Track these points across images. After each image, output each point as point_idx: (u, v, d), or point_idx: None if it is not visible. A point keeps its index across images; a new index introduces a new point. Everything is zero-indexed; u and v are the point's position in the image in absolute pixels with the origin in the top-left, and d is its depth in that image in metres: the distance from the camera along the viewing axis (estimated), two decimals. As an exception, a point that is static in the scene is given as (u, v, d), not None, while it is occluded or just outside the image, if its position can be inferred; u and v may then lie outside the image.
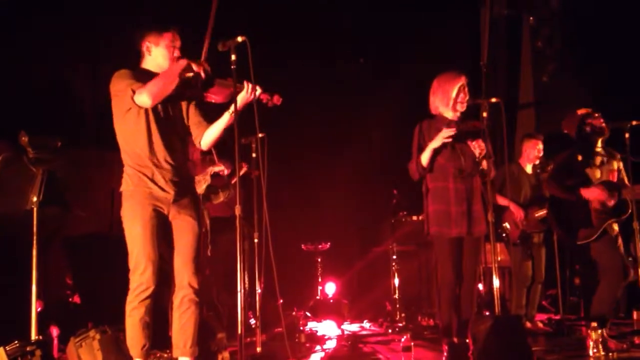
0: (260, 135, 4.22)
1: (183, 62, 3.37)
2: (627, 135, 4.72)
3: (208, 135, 3.61)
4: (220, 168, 5.07)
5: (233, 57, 3.21)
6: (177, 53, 3.52)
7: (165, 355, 4.07)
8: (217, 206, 5.49)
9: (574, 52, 7.74)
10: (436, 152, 4.18)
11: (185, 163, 3.65)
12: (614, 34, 7.32)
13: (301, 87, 6.71)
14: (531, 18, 7.87)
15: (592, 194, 4.71)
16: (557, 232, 5.28)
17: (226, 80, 3.46)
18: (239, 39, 3.19)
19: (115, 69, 3.48)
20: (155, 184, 3.43)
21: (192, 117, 3.63)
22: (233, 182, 5.43)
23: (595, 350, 4.18)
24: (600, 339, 4.18)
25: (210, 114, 3.64)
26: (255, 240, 4.60)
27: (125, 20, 5.51)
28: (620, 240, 4.79)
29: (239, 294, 3.15)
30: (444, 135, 4.10)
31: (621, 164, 4.88)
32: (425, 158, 4.17)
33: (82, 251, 5.42)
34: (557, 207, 4.94)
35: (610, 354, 4.24)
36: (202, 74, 3.39)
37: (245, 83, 3.45)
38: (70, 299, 5.50)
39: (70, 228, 5.40)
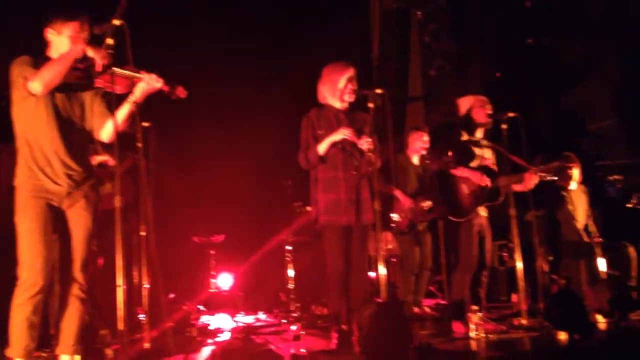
0: (145, 124, 4.11)
1: (78, 49, 3.24)
2: (503, 126, 4.96)
3: (109, 127, 3.47)
4: (105, 158, 4.86)
5: (110, 41, 3.09)
6: (82, 43, 3.34)
7: (44, 354, 3.89)
8: (103, 198, 5.27)
9: (460, 46, 8.07)
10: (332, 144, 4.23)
11: (82, 155, 3.51)
12: (498, 29, 7.71)
13: (192, 75, 6.56)
14: (419, 12, 8.11)
15: (472, 176, 4.86)
16: (440, 216, 5.41)
17: (127, 70, 3.34)
18: (116, 22, 3.07)
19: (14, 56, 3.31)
20: (48, 176, 3.32)
21: (95, 107, 3.50)
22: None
23: (475, 333, 4.39)
24: (480, 322, 4.40)
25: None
26: (142, 234, 4.47)
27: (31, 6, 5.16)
28: (487, 227, 4.97)
29: (119, 289, 3.04)
30: (346, 133, 4.15)
31: (493, 157, 5.09)
32: (322, 149, 4.20)
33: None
34: (440, 184, 5.07)
35: (490, 335, 4.47)
36: (100, 62, 3.25)
37: (146, 74, 3.37)
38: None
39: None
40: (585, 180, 6.02)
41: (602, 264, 5.53)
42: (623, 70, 7.10)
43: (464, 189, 4.87)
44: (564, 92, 7.55)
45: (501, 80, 6.98)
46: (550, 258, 6.00)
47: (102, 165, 5.00)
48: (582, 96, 7.40)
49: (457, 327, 4.67)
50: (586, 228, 5.87)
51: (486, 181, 4.79)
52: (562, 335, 4.20)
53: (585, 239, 5.76)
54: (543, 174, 4.81)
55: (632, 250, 5.70)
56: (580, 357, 3.64)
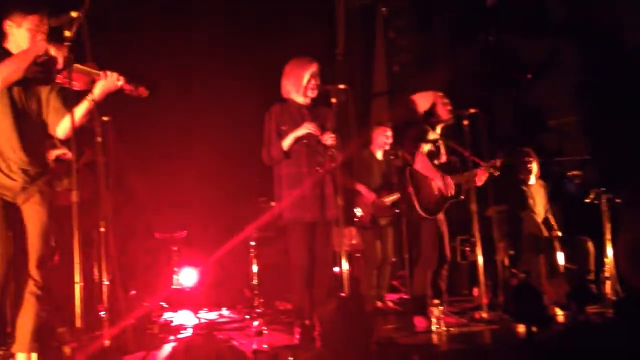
0: (104, 118, 4.05)
1: (40, 46, 3.19)
2: (465, 122, 5.02)
3: (65, 123, 3.41)
4: (63, 151, 4.75)
5: (67, 33, 3.03)
6: (41, 38, 3.27)
7: (1, 352, 3.80)
8: (61, 194, 5.17)
9: (424, 42, 8.13)
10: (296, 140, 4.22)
11: (38, 150, 3.46)
12: (462, 26, 7.78)
13: (154, 68, 6.47)
14: (384, 8, 8.14)
15: (442, 182, 4.89)
16: (404, 212, 5.45)
17: (87, 67, 3.30)
18: (74, 14, 3.02)
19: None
20: (2, 171, 3.27)
21: (52, 103, 3.44)
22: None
23: (437, 326, 4.43)
24: (442, 315, 4.45)
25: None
26: (102, 229, 4.39)
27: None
28: (445, 224, 5.01)
29: (77, 286, 2.99)
30: (311, 128, 4.14)
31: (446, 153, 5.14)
32: (287, 144, 4.18)
33: None
34: (409, 180, 5.09)
35: (451, 329, 4.52)
36: (60, 59, 3.19)
37: (107, 72, 3.34)
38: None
39: None
40: (545, 176, 6.13)
41: (561, 258, 5.64)
42: (584, 68, 7.23)
43: (434, 187, 4.91)
44: (525, 89, 7.66)
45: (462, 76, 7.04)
46: (511, 252, 6.09)
47: (60, 160, 4.91)
48: (544, 93, 7.53)
49: (419, 321, 4.70)
50: (546, 222, 5.97)
51: (451, 187, 4.85)
52: (521, 328, 4.27)
53: (545, 233, 5.86)
54: (491, 168, 4.89)
55: (590, 245, 5.82)
56: (538, 349, 3.70)
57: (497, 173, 4.97)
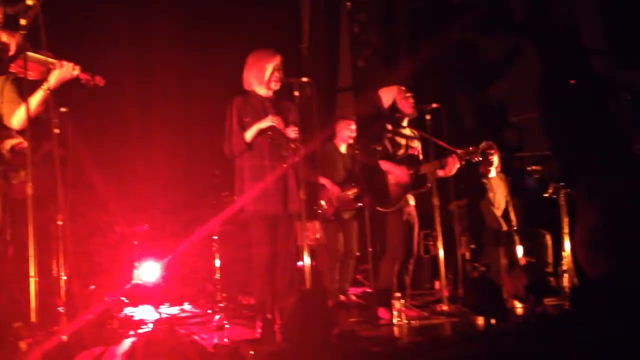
0: (62, 109, 3.98)
1: None
2: (428, 117, 5.06)
3: (20, 114, 3.32)
4: (19, 140, 4.63)
5: (22, 21, 2.96)
6: None
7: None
8: (17, 187, 5.04)
9: (388, 38, 8.17)
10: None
11: None
12: (425, 22, 7.84)
13: (114, 60, 6.38)
14: (348, 3, 8.15)
15: (395, 171, 4.94)
16: (367, 205, 5.49)
17: (42, 56, 3.22)
18: (29, 2, 2.95)
19: None
20: None
21: (6, 93, 3.38)
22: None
23: (398, 319, 4.47)
24: (403, 309, 4.48)
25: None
26: (59, 223, 4.30)
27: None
28: (415, 216, 5.05)
29: (32, 280, 2.93)
30: (274, 121, 4.12)
31: (419, 145, 5.18)
32: (249, 135, 4.15)
33: None
34: (367, 175, 5.13)
35: (412, 321, 4.56)
36: (13, 46, 3.11)
37: (62, 61, 3.27)
38: None
39: None
40: (505, 170, 6.22)
41: (519, 251, 5.73)
42: (544, 65, 7.35)
43: (391, 179, 4.93)
44: (486, 85, 7.77)
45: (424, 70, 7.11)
46: (472, 246, 6.18)
47: (15, 150, 4.78)
48: (505, 90, 7.64)
49: (383, 313, 4.74)
50: (505, 216, 6.07)
51: (406, 179, 4.87)
52: (480, 321, 4.33)
53: (505, 227, 5.95)
54: (467, 156, 4.90)
55: (548, 238, 5.93)
56: (496, 340, 3.76)
57: (477, 158, 4.94)
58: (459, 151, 4.88)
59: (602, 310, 2.27)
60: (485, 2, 7.65)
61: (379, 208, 4.86)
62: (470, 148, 4.89)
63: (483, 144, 4.99)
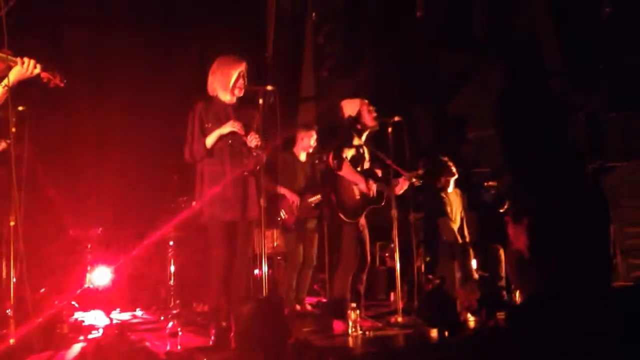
0: (20, 108, 3.90)
1: None
2: (390, 129, 5.11)
3: None
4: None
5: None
6: None
7: None
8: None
9: (351, 49, 8.24)
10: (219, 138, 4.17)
11: None
12: (389, 35, 7.94)
13: (74, 61, 6.27)
14: (314, 14, 8.19)
15: (366, 186, 4.97)
16: (332, 207, 5.49)
17: (3, 53, 3.15)
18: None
19: None
20: None
21: None
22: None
23: (353, 330, 4.49)
24: (358, 319, 4.50)
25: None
26: (12, 224, 4.20)
27: None
28: (366, 229, 5.08)
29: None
30: (236, 127, 4.10)
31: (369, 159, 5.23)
32: (210, 141, 4.12)
33: None
34: (330, 184, 5.14)
35: (367, 332, 4.58)
36: None
37: (23, 58, 3.21)
38: None
39: None
40: (462, 185, 6.31)
41: (474, 265, 5.82)
42: (503, 82, 7.50)
43: (356, 191, 4.96)
44: (445, 100, 7.90)
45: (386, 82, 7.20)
46: (428, 259, 6.25)
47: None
48: (463, 105, 7.78)
49: (337, 325, 4.75)
50: (460, 230, 6.16)
51: (373, 191, 4.94)
52: (433, 332, 4.38)
53: (460, 240, 6.04)
54: (414, 180, 5.04)
55: (502, 253, 6.04)
56: (449, 352, 3.81)
57: (418, 183, 5.10)
58: (405, 173, 5.00)
59: (534, 327, 2.32)
60: (446, 16, 7.78)
61: (341, 215, 4.87)
62: (415, 172, 5.02)
63: (420, 169, 5.11)
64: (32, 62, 3.27)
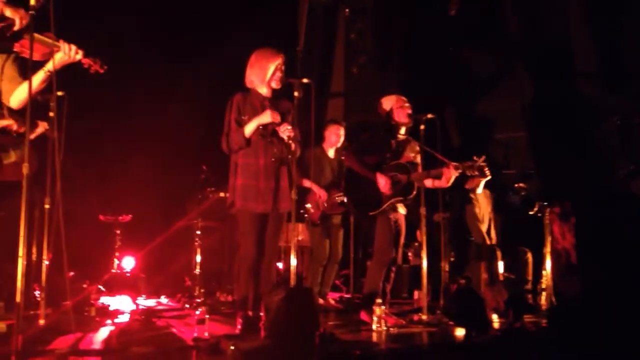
0: (59, 93, 3.96)
1: None
2: (422, 127, 5.10)
3: (19, 93, 3.30)
4: (9, 122, 4.56)
5: (32, 1, 2.94)
6: None
7: None
8: (7, 168, 4.98)
9: (383, 46, 8.22)
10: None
11: None
12: (421, 34, 7.91)
13: (114, 51, 6.34)
14: (347, 10, 8.19)
15: (380, 182, 4.98)
16: (352, 210, 5.53)
17: (46, 37, 3.20)
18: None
19: None
20: None
21: (7, 70, 3.38)
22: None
23: (378, 325, 4.49)
24: (383, 315, 4.51)
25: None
26: (46, 207, 4.27)
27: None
28: (403, 225, 5.10)
29: (20, 260, 2.90)
30: (275, 117, 4.13)
31: (418, 157, 5.22)
32: (249, 130, 4.14)
33: None
34: (352, 182, 5.16)
35: (391, 329, 4.59)
36: (17, 23, 3.08)
37: (66, 44, 3.25)
38: None
39: None
40: (491, 187, 6.28)
41: (501, 267, 5.79)
42: (534, 85, 7.44)
43: (381, 181, 4.95)
44: (475, 100, 7.85)
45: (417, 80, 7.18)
46: (452, 259, 6.23)
47: (4, 131, 4.72)
48: (494, 106, 7.73)
49: (364, 317, 4.77)
50: (488, 231, 6.13)
51: (387, 190, 4.92)
52: (460, 331, 4.38)
53: (488, 241, 6.01)
54: (464, 170, 4.94)
55: (529, 256, 6.02)
56: (475, 351, 3.80)
57: (473, 172, 4.97)
58: (456, 164, 4.92)
59: (578, 332, 2.32)
60: (479, 17, 7.73)
61: (371, 214, 4.89)
62: (469, 162, 4.93)
63: (481, 159, 4.99)
64: (74, 47, 3.31)
